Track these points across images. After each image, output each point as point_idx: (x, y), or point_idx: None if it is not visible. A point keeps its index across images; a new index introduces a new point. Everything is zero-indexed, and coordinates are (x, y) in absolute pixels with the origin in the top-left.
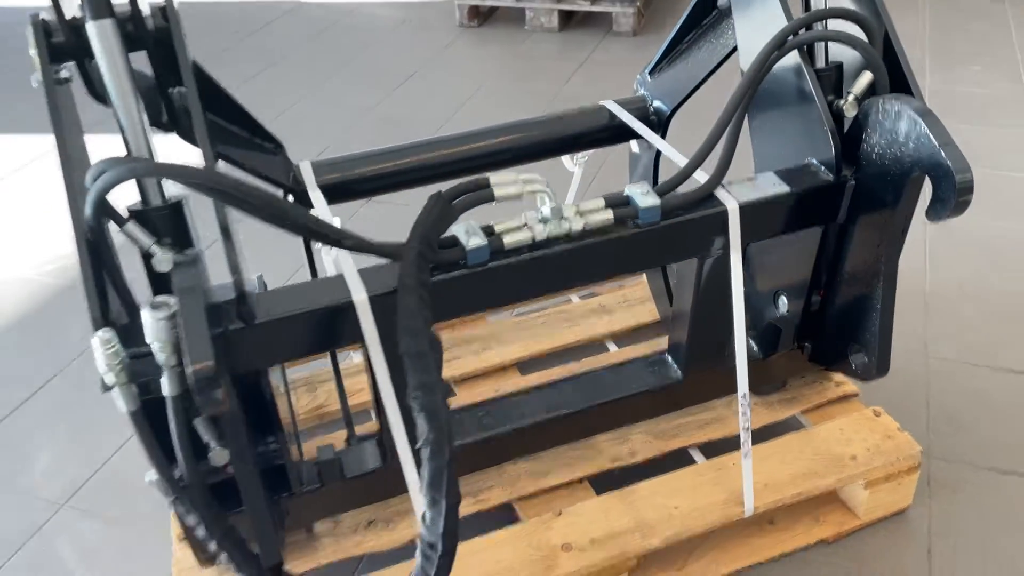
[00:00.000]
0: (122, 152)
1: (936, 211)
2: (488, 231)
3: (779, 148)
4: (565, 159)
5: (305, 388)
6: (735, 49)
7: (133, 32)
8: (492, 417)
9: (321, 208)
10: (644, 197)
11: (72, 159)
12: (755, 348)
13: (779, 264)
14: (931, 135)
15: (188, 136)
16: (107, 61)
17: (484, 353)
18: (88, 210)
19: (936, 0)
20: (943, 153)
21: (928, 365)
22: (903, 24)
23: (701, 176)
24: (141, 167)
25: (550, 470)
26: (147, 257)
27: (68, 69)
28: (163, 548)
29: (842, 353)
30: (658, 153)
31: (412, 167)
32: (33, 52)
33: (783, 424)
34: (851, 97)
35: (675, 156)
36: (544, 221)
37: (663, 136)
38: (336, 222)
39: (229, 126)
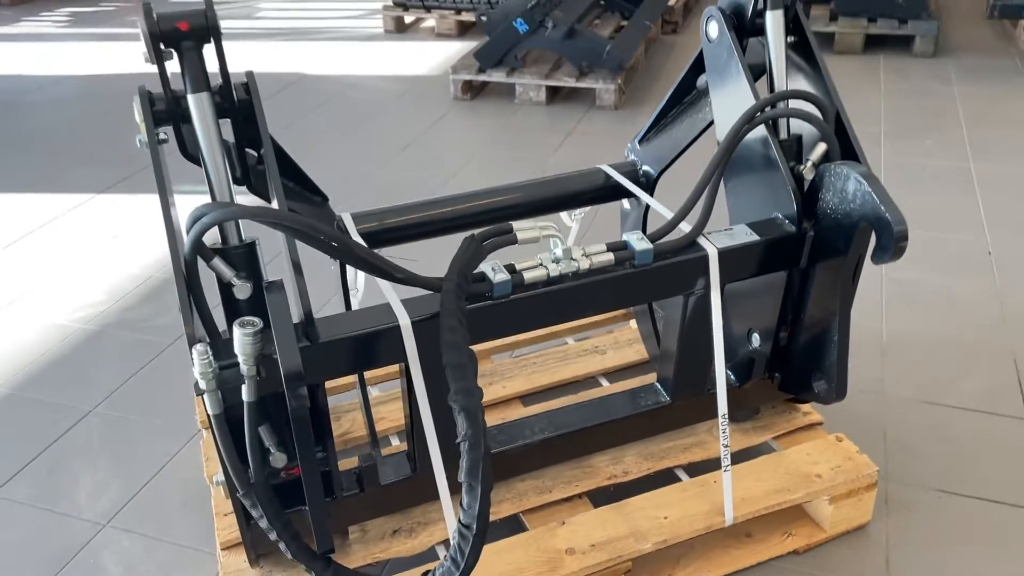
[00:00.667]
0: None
1: (879, 256)
2: (510, 269)
3: (750, 205)
4: (563, 215)
5: (332, 416)
6: (712, 123)
7: (221, 103)
8: (504, 435)
9: None
10: (639, 243)
11: (168, 205)
12: (732, 377)
13: (751, 305)
14: (873, 194)
15: (255, 189)
16: (202, 127)
17: (490, 387)
18: (187, 247)
19: (893, 81)
20: (883, 208)
21: (885, 403)
22: (865, 102)
23: (685, 227)
24: (237, 211)
25: (553, 487)
26: (227, 287)
27: (165, 132)
28: (200, 562)
29: (806, 381)
30: (647, 209)
31: (436, 219)
32: (139, 117)
33: (757, 448)
34: (809, 163)
35: (663, 211)
36: (556, 261)
37: (651, 192)
38: (360, 275)
39: (286, 181)
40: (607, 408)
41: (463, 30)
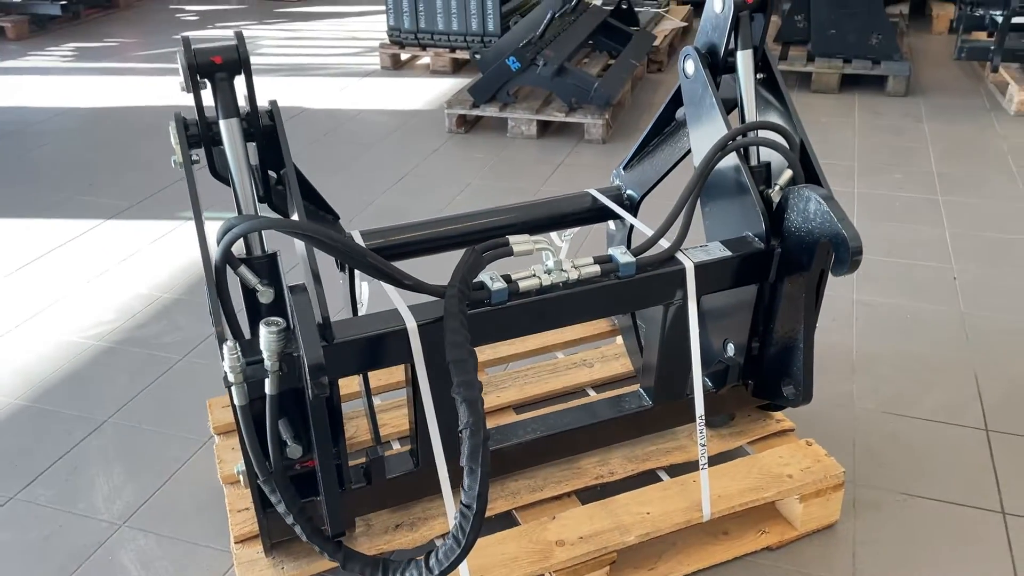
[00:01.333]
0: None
1: (837, 269)
2: (507, 279)
3: (723, 224)
4: (554, 235)
5: None
6: (689, 151)
7: (247, 128)
8: (500, 435)
9: None
10: (623, 256)
11: (201, 218)
12: (709, 384)
13: (725, 317)
14: (831, 213)
15: (276, 206)
16: (232, 149)
17: (484, 397)
18: (218, 255)
19: (868, 119)
20: (840, 226)
21: (854, 414)
22: (840, 139)
23: (665, 243)
24: (265, 222)
25: (544, 486)
26: (251, 292)
27: (197, 154)
28: (213, 558)
29: (777, 386)
30: (631, 230)
31: (438, 236)
32: (174, 140)
33: (733, 452)
34: (776, 187)
35: (645, 229)
36: (548, 272)
37: (635, 213)
38: (365, 288)
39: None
40: (594, 411)
41: (457, 67)
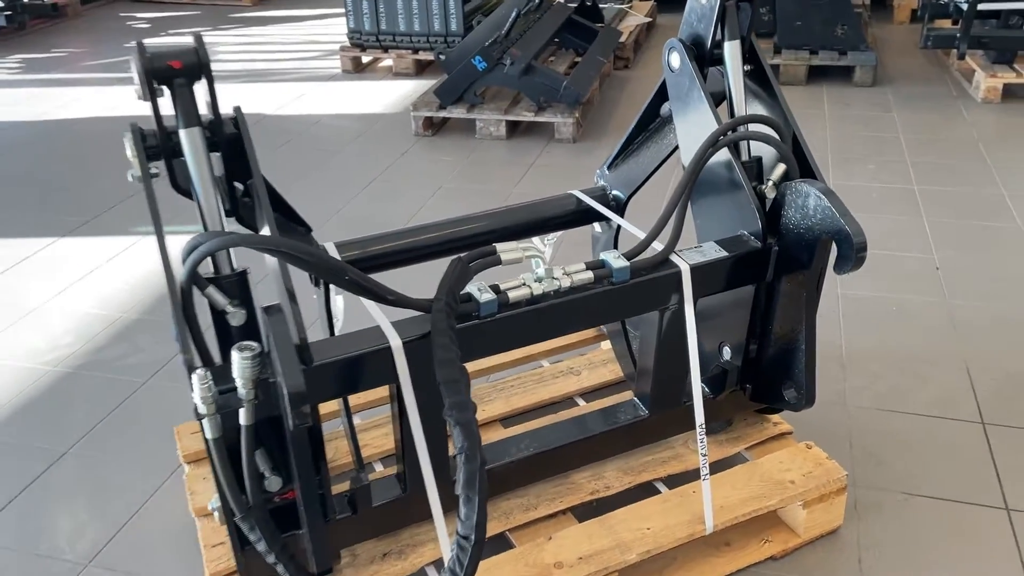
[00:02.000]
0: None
1: (841, 266)
2: (495, 289)
3: (717, 223)
4: (536, 240)
5: None
6: (676, 148)
7: (210, 137)
8: (489, 454)
9: None
10: (616, 261)
11: (163, 237)
12: (707, 390)
13: (722, 319)
14: (832, 208)
15: (243, 220)
16: (194, 160)
17: None
18: (183, 276)
19: (837, 109)
20: (842, 221)
21: (848, 413)
22: (810, 130)
23: (657, 246)
24: (235, 239)
25: (538, 504)
26: (220, 315)
27: (156, 167)
28: None
29: (777, 390)
30: (617, 231)
31: (416, 246)
32: (130, 153)
33: (731, 459)
34: (770, 183)
35: (635, 231)
36: (539, 280)
37: (622, 215)
38: (339, 302)
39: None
40: (588, 424)
41: (420, 69)
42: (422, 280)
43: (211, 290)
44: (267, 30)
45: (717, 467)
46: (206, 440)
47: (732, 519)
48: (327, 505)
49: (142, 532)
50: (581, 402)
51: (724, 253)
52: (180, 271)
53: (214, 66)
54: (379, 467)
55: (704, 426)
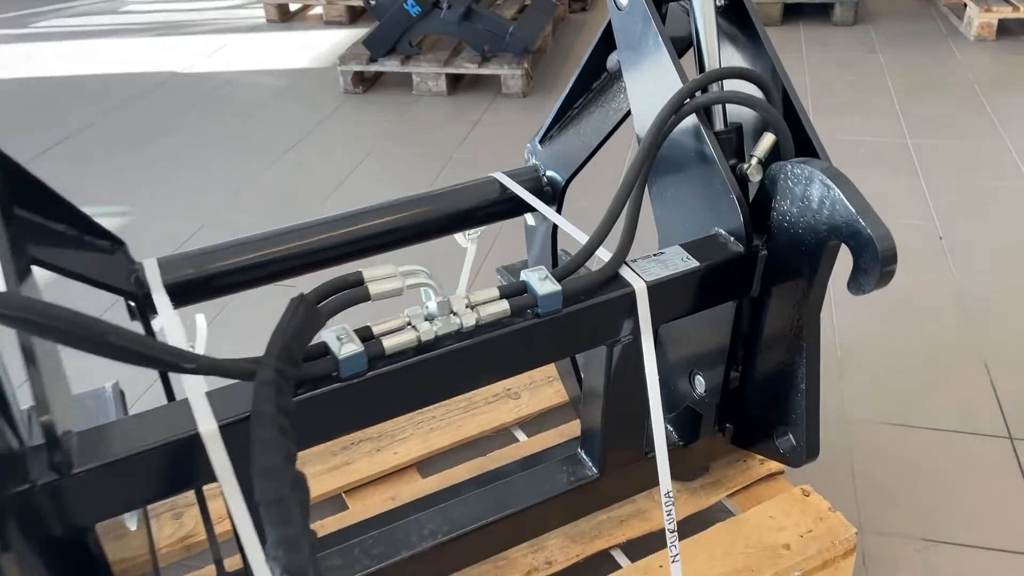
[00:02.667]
0: None
1: (859, 283)
2: (365, 335)
3: (684, 218)
4: (458, 236)
5: (170, 514)
6: (628, 113)
7: None
8: (384, 544)
9: (166, 314)
10: (543, 283)
11: None
12: (674, 435)
13: (693, 342)
14: (847, 201)
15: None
16: None
17: (378, 455)
18: None
19: (816, 52)
20: (861, 221)
21: (849, 428)
22: (788, 76)
23: (604, 253)
24: None
25: None
26: None
27: None
28: None
29: (766, 435)
30: (555, 225)
31: (279, 257)
32: None
33: (709, 513)
34: (755, 160)
35: (573, 231)
36: (430, 318)
37: (559, 207)
38: (200, 323)
39: (52, 224)
40: (519, 493)
41: (355, 17)
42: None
43: None
44: None
45: (692, 524)
46: None
47: None
48: None
49: None
50: (520, 435)
51: (693, 263)
52: None
53: (122, 19)
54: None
55: (671, 493)
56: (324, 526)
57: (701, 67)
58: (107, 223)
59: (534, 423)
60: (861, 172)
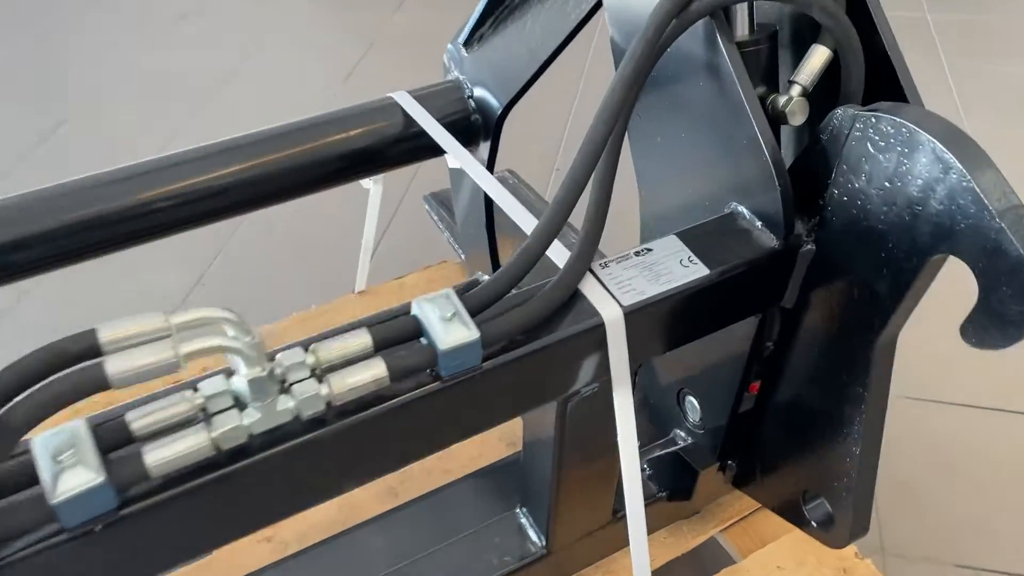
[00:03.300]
0: None
1: (985, 332)
2: (113, 438)
3: (683, 185)
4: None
5: None
6: (598, 5)
7: None
8: None
9: None
10: (448, 326)
11: None
12: (653, 487)
13: (684, 353)
14: (981, 193)
15: None
16: None
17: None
18: None
19: None
20: (1009, 232)
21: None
22: None
23: (557, 253)
24: None
25: None
26: None
27: None
28: None
29: (789, 493)
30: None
31: (70, 229)
32: None
33: (698, 551)
34: (796, 90)
35: (509, 204)
36: (241, 405)
37: (494, 143)
38: None
39: None
40: (433, 569)
41: None
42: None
43: None
44: None
45: (673, 572)
46: None
47: None
48: None
49: None
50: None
51: (699, 268)
52: None
53: None
54: None
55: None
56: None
57: None
58: None
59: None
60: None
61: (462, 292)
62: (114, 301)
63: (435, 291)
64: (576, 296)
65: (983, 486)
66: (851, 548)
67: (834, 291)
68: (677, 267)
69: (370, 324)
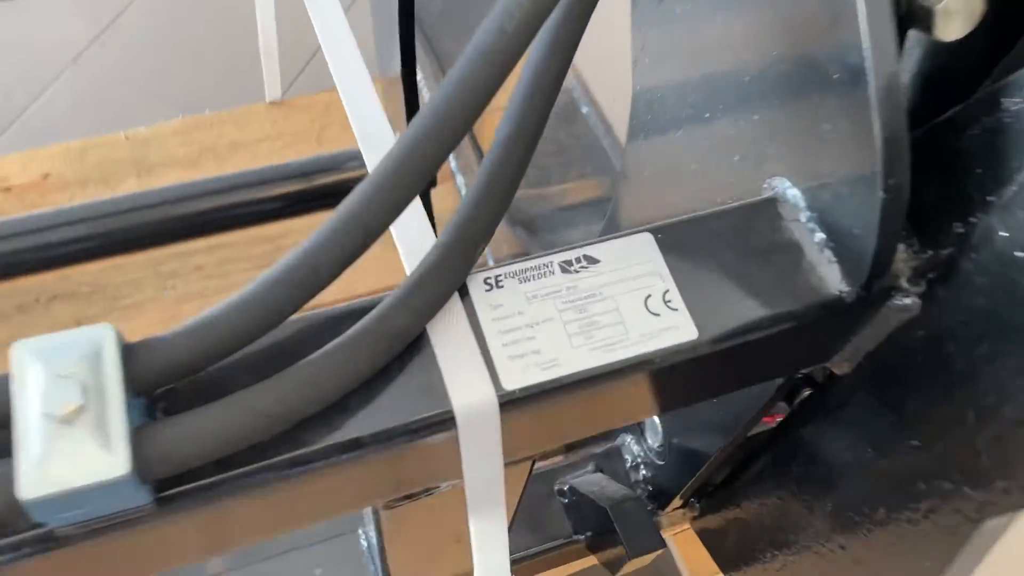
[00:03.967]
0: None
1: None
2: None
3: (697, 124)
4: None
5: None
6: None
7: None
8: None
9: None
10: (60, 436)
11: None
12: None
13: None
14: None
15: None
16: None
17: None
18: None
19: None
20: None
21: None
22: None
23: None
24: None
25: None
26: None
27: None
28: None
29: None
30: None
31: None
32: None
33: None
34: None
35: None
36: None
37: None
38: None
39: None
40: None
41: None
42: None
43: None
44: None
45: None
46: None
47: None
48: None
49: None
50: None
51: (682, 331)
52: None
53: None
54: None
55: None
56: None
57: None
58: None
59: None
60: None
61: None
62: None
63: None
64: (415, 350)
65: None
66: None
67: (933, 388)
68: (639, 313)
69: None
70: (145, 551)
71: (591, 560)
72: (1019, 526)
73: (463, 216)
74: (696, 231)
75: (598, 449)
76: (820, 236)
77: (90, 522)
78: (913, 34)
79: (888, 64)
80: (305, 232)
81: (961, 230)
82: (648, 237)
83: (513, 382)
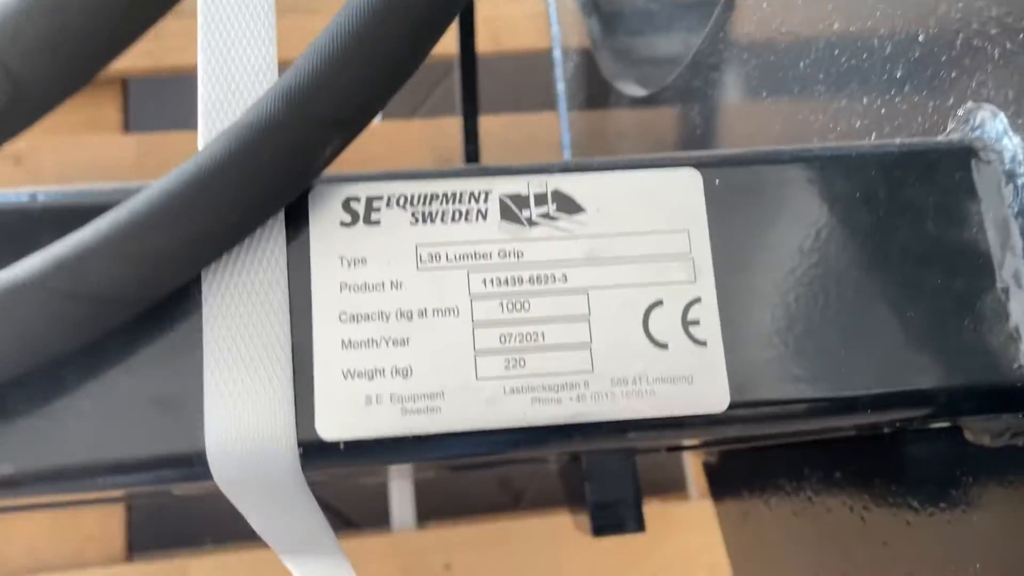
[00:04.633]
0: None
1: None
2: None
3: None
4: None
5: None
6: None
7: None
8: None
9: None
10: None
11: None
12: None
13: None
14: None
15: None
16: None
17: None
18: None
19: None
20: None
21: None
22: None
23: None
24: None
25: None
26: None
27: None
28: None
29: None
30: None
31: None
32: None
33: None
34: None
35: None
36: None
37: None
38: None
39: None
40: None
41: None
42: None
43: None
44: None
45: None
46: None
47: None
48: None
49: None
50: None
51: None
52: None
53: None
54: None
55: None
56: None
57: None
58: None
59: None
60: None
61: None
62: None
63: None
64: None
65: None
66: None
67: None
68: (626, 333)
69: None
70: None
71: None
72: None
73: (297, 67)
74: (793, 183)
75: None
76: None
77: None
78: None
79: None
80: None
81: None
82: (691, 176)
83: (336, 426)
